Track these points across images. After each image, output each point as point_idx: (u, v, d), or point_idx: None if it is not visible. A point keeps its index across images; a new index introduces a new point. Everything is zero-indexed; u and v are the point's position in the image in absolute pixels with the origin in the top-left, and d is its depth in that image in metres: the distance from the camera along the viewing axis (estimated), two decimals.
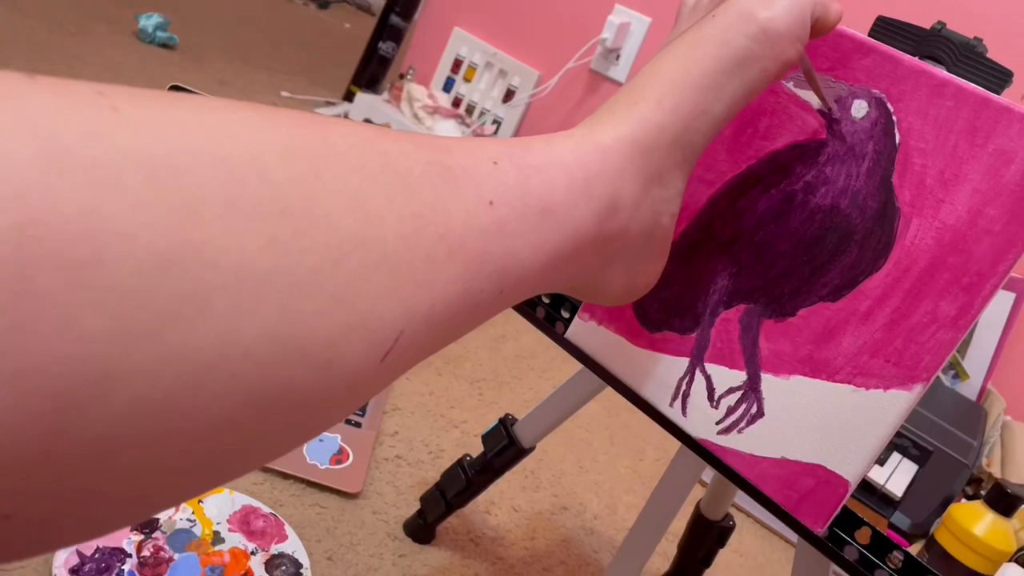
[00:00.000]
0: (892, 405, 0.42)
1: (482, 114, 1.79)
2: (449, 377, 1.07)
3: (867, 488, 0.95)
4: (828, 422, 0.43)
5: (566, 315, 0.54)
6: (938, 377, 0.92)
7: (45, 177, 0.17)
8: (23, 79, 0.18)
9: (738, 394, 0.46)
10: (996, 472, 1.07)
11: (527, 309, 0.56)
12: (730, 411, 0.46)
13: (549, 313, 0.55)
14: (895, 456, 0.99)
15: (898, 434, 0.80)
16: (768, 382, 0.45)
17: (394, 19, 1.85)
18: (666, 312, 0.48)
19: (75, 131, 0.18)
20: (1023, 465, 1.08)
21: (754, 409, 0.45)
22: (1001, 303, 1.19)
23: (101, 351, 0.18)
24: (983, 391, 1.22)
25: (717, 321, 0.47)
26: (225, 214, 0.20)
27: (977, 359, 1.21)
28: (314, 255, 0.22)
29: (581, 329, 0.52)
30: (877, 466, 0.97)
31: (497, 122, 1.77)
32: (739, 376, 0.46)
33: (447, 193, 0.27)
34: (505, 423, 0.73)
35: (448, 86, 1.86)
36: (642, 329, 0.49)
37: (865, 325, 0.43)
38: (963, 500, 0.94)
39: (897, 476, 0.96)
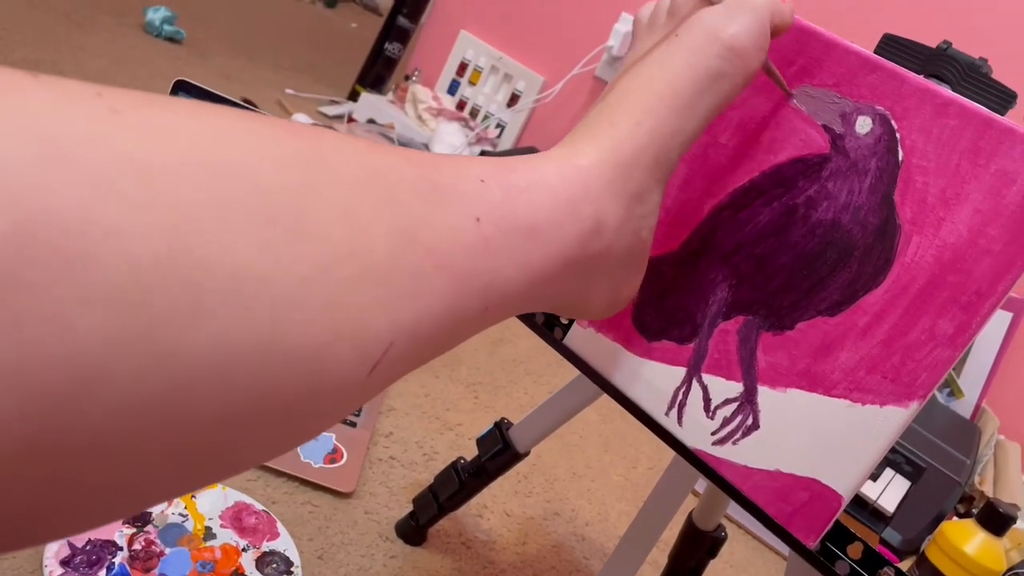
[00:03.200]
0: (887, 421, 0.42)
1: (486, 117, 1.79)
2: (445, 380, 1.07)
3: (859, 503, 0.96)
4: (823, 436, 0.43)
5: (565, 321, 0.54)
6: (933, 394, 0.92)
7: (45, 177, 0.17)
8: (28, 78, 0.18)
9: (734, 405, 0.46)
10: (988, 491, 1.07)
11: (526, 314, 0.56)
12: (726, 422, 0.46)
13: (548, 318, 0.55)
14: (888, 472, 0.99)
15: (892, 450, 0.80)
16: (765, 394, 0.45)
17: (401, 20, 1.86)
18: (665, 321, 0.48)
19: (75, 133, 0.18)
20: (1015, 484, 1.08)
21: (750, 421, 0.45)
22: (998, 323, 1.19)
23: (91, 350, 0.18)
24: (977, 409, 1.22)
25: (715, 332, 0.47)
26: (218, 219, 0.20)
27: (973, 378, 1.22)
28: (305, 263, 0.22)
29: (579, 335, 0.52)
30: (870, 481, 0.97)
31: (501, 126, 1.78)
32: (736, 387, 0.46)
33: (435, 208, 0.28)
34: (500, 427, 0.73)
35: (453, 88, 1.86)
36: (640, 337, 0.49)
37: (863, 341, 0.43)
38: (955, 518, 0.95)
39: (889, 492, 0.96)
